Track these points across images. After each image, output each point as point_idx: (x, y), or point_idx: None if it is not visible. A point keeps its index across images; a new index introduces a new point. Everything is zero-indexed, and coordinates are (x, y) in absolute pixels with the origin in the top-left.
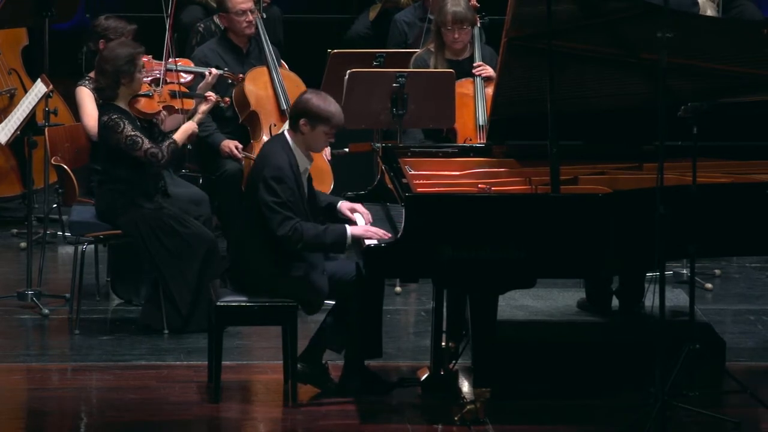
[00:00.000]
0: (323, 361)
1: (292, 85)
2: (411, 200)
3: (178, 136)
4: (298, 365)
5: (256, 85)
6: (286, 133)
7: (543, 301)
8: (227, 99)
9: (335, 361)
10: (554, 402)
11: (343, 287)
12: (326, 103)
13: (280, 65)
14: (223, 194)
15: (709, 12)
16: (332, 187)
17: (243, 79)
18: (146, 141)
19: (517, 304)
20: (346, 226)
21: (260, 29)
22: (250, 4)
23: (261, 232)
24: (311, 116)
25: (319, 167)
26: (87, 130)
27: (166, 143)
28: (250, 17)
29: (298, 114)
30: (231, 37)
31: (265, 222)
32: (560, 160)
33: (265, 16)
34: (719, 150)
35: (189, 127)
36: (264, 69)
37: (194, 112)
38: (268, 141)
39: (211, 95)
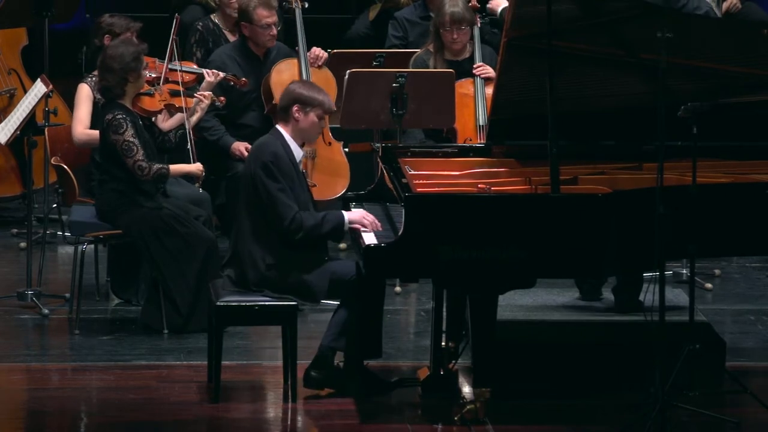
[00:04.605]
0: (335, 362)
1: (322, 80)
2: (411, 200)
3: (174, 169)
4: (312, 373)
5: (282, 78)
6: (278, 126)
7: (542, 302)
8: (222, 98)
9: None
10: (554, 402)
11: (344, 287)
12: (315, 89)
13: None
14: (235, 196)
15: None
16: (349, 182)
17: (246, 84)
18: (141, 152)
19: (517, 304)
20: (343, 212)
21: (298, 22)
22: (274, 18)
23: (259, 224)
24: (303, 101)
25: (336, 160)
26: (72, 134)
27: (158, 166)
28: (274, 31)
29: (290, 102)
30: (250, 46)
31: (263, 213)
32: (560, 160)
33: (306, 5)
34: (719, 150)
35: (190, 169)
36: (294, 61)
37: (193, 110)
38: (261, 137)
39: (208, 93)
